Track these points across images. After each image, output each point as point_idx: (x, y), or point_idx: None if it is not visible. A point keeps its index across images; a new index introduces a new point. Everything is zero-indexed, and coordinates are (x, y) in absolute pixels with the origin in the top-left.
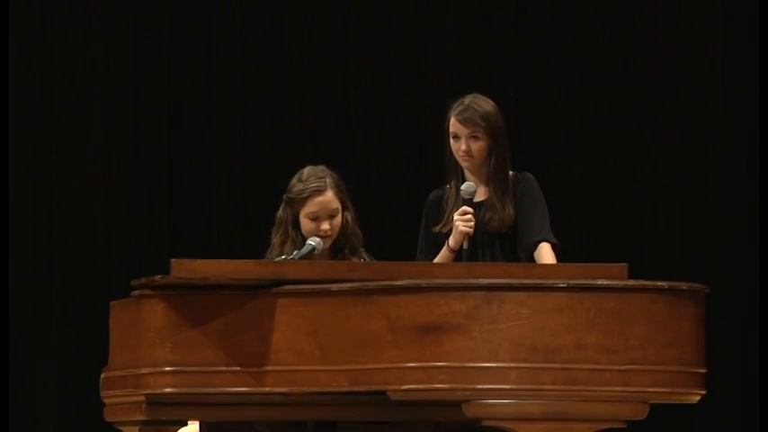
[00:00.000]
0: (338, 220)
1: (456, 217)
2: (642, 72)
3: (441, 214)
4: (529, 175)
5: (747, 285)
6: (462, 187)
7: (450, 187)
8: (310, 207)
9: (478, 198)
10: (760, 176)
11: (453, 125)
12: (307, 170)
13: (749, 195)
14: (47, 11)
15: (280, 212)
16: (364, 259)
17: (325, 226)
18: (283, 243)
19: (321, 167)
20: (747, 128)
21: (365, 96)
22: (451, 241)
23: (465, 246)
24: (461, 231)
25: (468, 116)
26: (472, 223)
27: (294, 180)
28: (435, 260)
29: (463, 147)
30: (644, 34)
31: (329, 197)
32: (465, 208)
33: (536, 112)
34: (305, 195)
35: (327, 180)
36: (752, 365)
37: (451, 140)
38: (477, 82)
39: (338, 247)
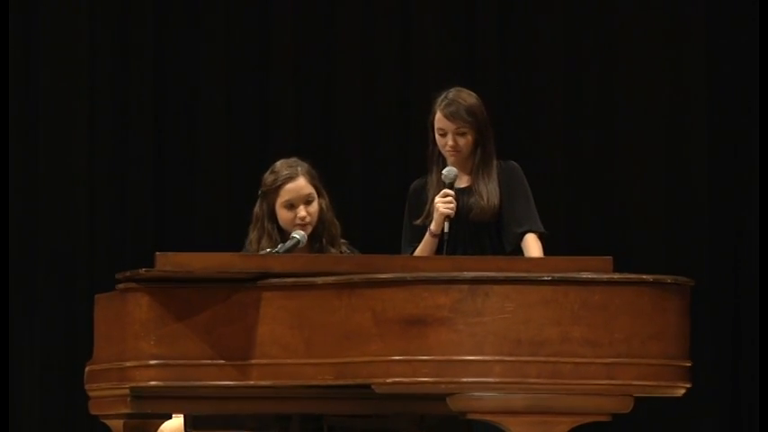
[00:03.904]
0: (315, 206)
1: (437, 199)
2: (626, 61)
3: (423, 204)
4: (513, 163)
5: (733, 278)
6: (444, 171)
7: (432, 178)
8: (284, 195)
9: (462, 185)
10: (759, 171)
11: (439, 120)
12: (278, 163)
13: (734, 188)
14: (33, 9)
15: (256, 208)
16: (345, 251)
17: (302, 212)
18: (260, 238)
19: (293, 159)
20: (732, 120)
21: (349, 92)
22: (433, 225)
23: (446, 229)
24: (442, 213)
25: (454, 111)
26: (453, 205)
27: (266, 174)
28: (419, 247)
29: (450, 142)
30: (628, 26)
31: (301, 183)
32: (446, 190)
33: (519, 102)
34: (277, 184)
35: (299, 168)
36: (737, 358)
37: (437, 136)
38: (461, 74)
39: (316, 236)
